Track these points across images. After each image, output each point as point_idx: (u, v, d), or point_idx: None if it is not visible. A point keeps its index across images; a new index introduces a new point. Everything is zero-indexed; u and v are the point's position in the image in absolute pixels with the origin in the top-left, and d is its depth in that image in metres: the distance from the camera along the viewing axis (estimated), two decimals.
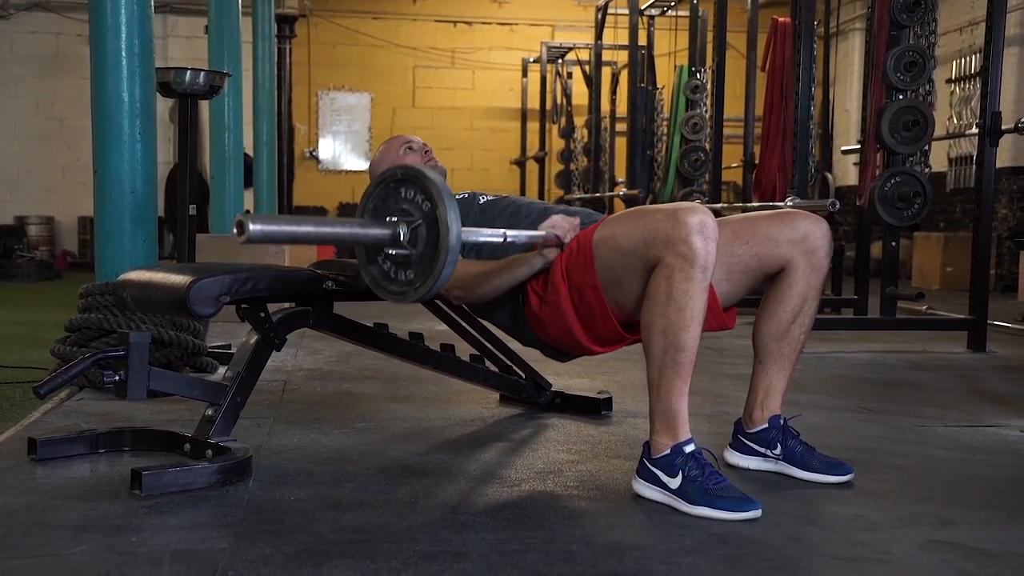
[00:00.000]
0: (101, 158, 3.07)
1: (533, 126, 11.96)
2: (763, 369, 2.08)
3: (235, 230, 1.51)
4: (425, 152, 2.48)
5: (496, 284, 2.08)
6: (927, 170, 4.40)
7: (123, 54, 3.04)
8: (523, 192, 11.96)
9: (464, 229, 1.73)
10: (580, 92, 11.14)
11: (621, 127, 9.47)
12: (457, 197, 2.30)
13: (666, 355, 1.79)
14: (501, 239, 1.89)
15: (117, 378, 1.91)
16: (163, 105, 8.27)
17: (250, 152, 7.48)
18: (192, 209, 3.58)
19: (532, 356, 3.07)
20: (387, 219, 1.71)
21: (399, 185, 1.73)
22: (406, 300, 1.71)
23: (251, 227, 1.51)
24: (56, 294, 7.09)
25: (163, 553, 1.52)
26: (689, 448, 1.80)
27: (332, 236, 1.70)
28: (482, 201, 2.30)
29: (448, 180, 2.54)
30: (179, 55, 10.41)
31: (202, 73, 3.55)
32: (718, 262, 1.95)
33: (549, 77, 11.57)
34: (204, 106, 6.14)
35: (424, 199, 1.68)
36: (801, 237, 1.99)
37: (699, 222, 1.76)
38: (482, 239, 1.89)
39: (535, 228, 2.07)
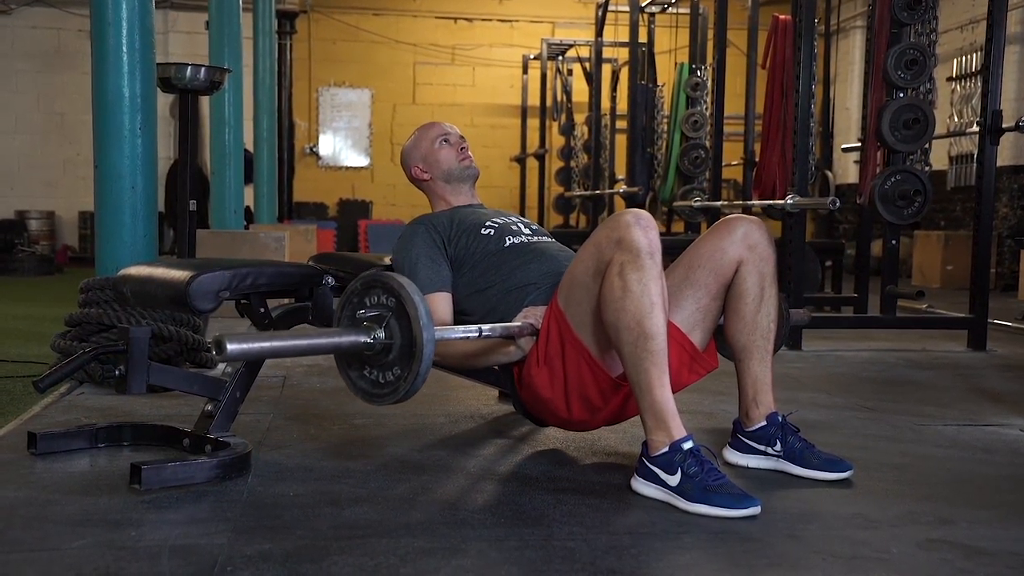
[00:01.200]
0: (102, 153, 3.07)
1: (533, 123, 11.95)
2: (744, 366, 2.11)
3: (214, 350, 1.57)
4: (461, 148, 2.40)
5: (472, 364, 2.17)
6: (927, 168, 4.39)
7: (124, 50, 3.04)
8: (523, 191, 11.95)
9: (438, 328, 1.78)
10: (580, 89, 11.13)
11: (621, 124, 9.47)
12: (483, 231, 2.24)
13: (636, 347, 1.81)
14: (476, 334, 1.91)
15: (117, 373, 1.91)
16: (164, 101, 8.27)
17: (250, 148, 7.48)
18: (192, 204, 3.58)
19: None
20: (362, 324, 1.77)
21: (363, 296, 1.80)
22: (399, 395, 1.75)
23: (229, 347, 1.57)
24: (56, 289, 7.09)
25: (162, 548, 1.52)
26: (687, 445, 1.80)
27: (311, 348, 1.75)
28: (507, 244, 2.23)
29: None
30: (180, 51, 10.40)
31: (203, 69, 3.55)
32: (686, 299, 2.07)
33: (549, 74, 11.55)
34: (204, 102, 6.13)
35: (388, 296, 1.74)
36: (742, 236, 2.07)
37: (633, 216, 1.86)
38: (457, 336, 1.91)
39: (545, 295, 2.10)
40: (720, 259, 2.08)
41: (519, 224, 2.33)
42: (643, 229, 1.84)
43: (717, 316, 2.13)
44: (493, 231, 2.25)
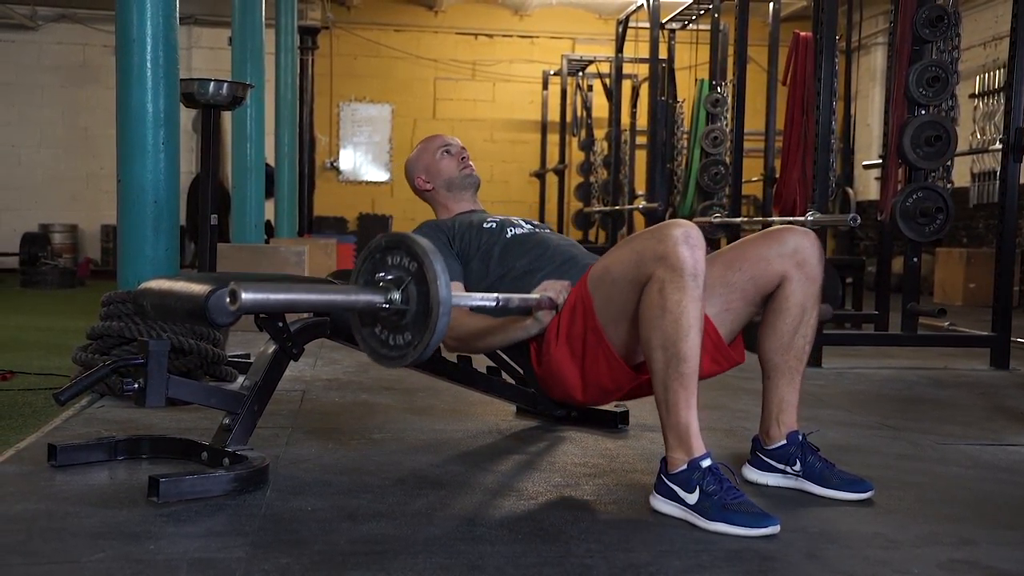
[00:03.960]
0: (125, 167, 3.10)
1: (553, 138, 11.98)
2: (772, 384, 2.09)
3: (228, 299, 1.58)
4: (462, 159, 2.52)
5: (491, 342, 2.16)
6: (949, 185, 4.36)
7: (148, 65, 3.07)
8: (542, 206, 11.97)
9: (456, 294, 1.77)
10: (600, 105, 11.13)
11: (641, 140, 9.44)
12: (485, 225, 2.33)
13: (668, 368, 1.80)
14: (494, 303, 1.91)
15: (136, 386, 1.92)
16: (186, 115, 8.36)
17: (271, 162, 7.52)
18: (214, 219, 3.61)
19: None
20: (379, 284, 1.75)
21: (385, 253, 1.78)
22: (407, 360, 1.72)
23: (244, 296, 1.57)
24: (79, 302, 7.15)
25: (181, 562, 1.52)
26: (706, 463, 1.79)
27: (325, 303, 1.75)
28: (509, 235, 2.31)
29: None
30: (203, 66, 10.50)
31: (225, 84, 3.58)
32: (716, 296, 2.03)
33: (569, 90, 11.58)
34: (227, 117, 6.18)
35: (410, 260, 1.73)
36: (791, 250, 2.02)
37: (683, 233, 1.81)
38: (475, 303, 1.91)
39: (554, 275, 2.12)
40: (764, 268, 2.02)
41: (519, 220, 2.43)
42: (691, 248, 1.79)
43: (746, 319, 2.09)
44: (495, 225, 2.36)
